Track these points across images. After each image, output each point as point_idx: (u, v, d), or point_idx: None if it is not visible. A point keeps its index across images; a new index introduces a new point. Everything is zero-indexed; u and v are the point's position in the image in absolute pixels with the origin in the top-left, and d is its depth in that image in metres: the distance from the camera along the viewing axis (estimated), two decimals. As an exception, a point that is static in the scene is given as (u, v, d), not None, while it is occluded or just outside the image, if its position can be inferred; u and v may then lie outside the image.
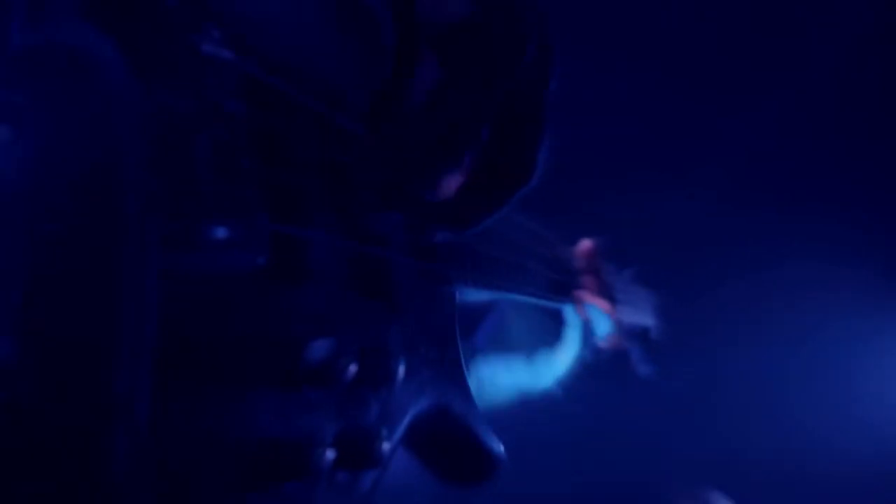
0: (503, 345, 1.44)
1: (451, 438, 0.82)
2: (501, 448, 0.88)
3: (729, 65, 3.23)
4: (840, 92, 3.26)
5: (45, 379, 0.45)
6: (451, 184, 0.66)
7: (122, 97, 0.48)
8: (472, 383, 0.87)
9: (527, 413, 1.38)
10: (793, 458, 3.50)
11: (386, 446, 0.64)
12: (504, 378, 1.37)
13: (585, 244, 1.44)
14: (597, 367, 1.40)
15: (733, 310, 3.57)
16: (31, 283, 0.45)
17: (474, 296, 0.98)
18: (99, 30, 0.47)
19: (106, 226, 0.47)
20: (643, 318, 1.77)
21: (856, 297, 3.58)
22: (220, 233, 0.51)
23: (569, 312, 1.38)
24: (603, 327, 1.38)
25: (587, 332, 1.37)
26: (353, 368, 0.61)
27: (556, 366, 1.39)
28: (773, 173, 3.44)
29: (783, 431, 3.62)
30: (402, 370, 0.69)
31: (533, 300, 1.21)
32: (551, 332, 1.50)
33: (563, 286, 1.35)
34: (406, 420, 0.73)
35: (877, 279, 3.53)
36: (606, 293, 1.44)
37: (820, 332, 3.64)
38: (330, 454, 0.56)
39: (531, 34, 0.65)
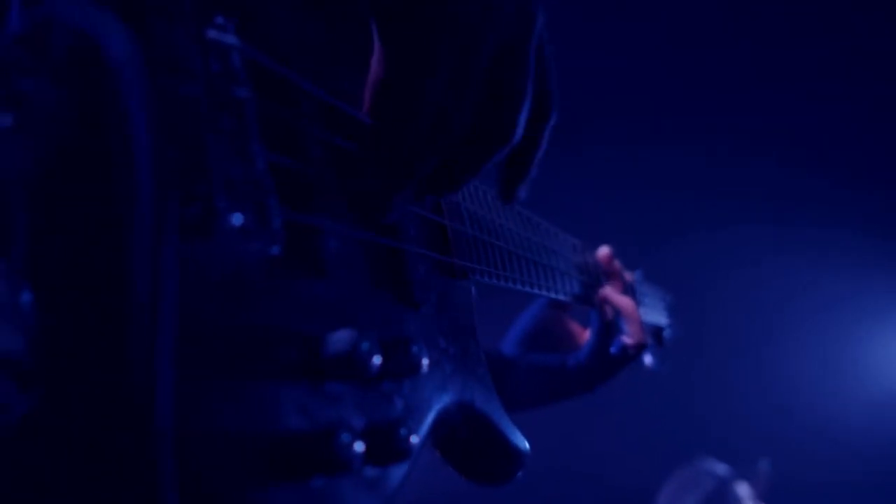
0: (535, 345, 1.46)
1: (475, 435, 0.80)
2: (526, 444, 0.85)
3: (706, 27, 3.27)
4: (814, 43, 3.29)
5: (62, 379, 0.43)
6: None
7: (129, 82, 0.46)
8: (495, 379, 0.85)
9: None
10: (779, 418, 3.59)
11: (415, 440, 0.62)
12: (538, 377, 1.38)
13: (604, 249, 1.49)
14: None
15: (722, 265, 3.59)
16: (41, 277, 0.44)
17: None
18: (103, 10, 0.45)
19: (118, 214, 0.45)
20: (657, 317, 1.76)
21: (843, 260, 3.61)
22: (236, 220, 0.49)
23: (594, 313, 1.40)
24: (627, 326, 1.40)
25: (612, 330, 1.38)
26: (376, 361, 0.59)
27: (586, 364, 1.40)
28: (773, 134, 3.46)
29: (771, 394, 3.65)
30: (425, 363, 0.67)
31: (554, 296, 1.21)
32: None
33: (588, 287, 1.36)
34: (430, 415, 0.71)
35: (864, 241, 3.56)
36: (629, 293, 1.47)
37: (808, 295, 3.66)
38: (359, 446, 0.54)
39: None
